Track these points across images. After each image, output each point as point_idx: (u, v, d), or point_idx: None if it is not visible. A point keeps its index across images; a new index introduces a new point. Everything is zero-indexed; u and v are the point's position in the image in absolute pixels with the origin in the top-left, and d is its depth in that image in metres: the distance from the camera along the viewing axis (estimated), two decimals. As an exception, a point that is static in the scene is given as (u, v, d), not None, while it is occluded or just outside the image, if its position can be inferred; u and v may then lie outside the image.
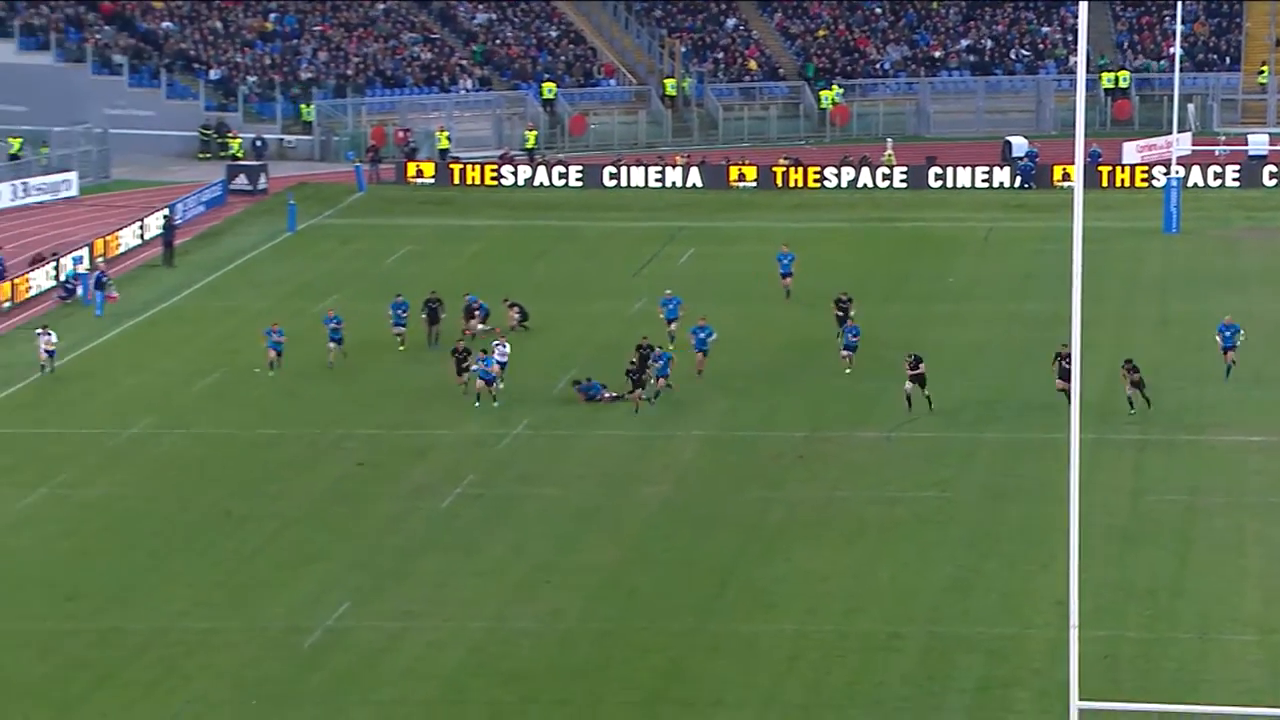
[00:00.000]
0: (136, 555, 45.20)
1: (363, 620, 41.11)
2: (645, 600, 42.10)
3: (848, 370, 57.71)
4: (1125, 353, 56.75)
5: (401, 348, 60.98)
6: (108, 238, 76.74)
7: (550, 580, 43.20)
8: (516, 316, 63.90)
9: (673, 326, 61.12)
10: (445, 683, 38.12)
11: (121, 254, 76.67)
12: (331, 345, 59.38)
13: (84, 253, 73.82)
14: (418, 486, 49.39)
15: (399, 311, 61.64)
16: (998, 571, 43.50)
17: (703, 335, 57.36)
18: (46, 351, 59.35)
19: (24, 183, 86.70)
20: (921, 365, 53.70)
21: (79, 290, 69.35)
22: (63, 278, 70.88)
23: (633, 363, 54.78)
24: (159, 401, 57.22)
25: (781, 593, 42.39)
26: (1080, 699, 30.45)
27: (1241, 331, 56.43)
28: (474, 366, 55.14)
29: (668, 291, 62.87)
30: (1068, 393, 53.50)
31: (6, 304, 68.69)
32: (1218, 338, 56.82)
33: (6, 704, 37.30)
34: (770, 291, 66.96)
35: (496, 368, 55.64)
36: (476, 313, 62.95)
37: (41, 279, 71.15)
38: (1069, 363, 53.27)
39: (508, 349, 56.26)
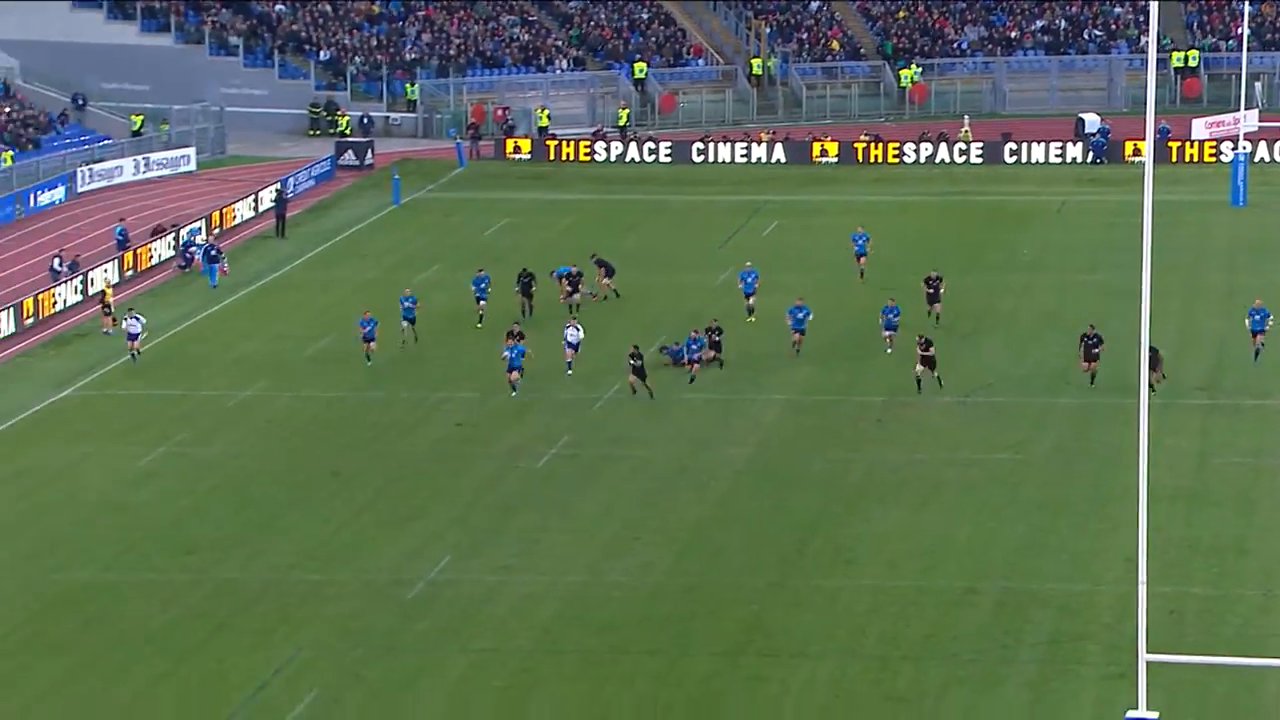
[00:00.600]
0: (251, 511, 45.53)
1: (462, 574, 41.27)
2: (730, 556, 42.08)
3: (889, 351, 56.07)
4: (1194, 322, 56.17)
5: (479, 325, 59.46)
6: (224, 210, 77.24)
7: (640, 537, 43.23)
8: (603, 274, 63.36)
9: (751, 300, 60.35)
10: (540, 633, 38.23)
11: (236, 225, 77.16)
12: (405, 325, 57.78)
13: (201, 224, 74.37)
14: (514, 447, 49.47)
15: (480, 286, 60.71)
16: (1069, 530, 43.25)
17: (800, 315, 56.26)
18: (131, 335, 57.05)
19: (145, 158, 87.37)
20: (932, 348, 52.09)
21: (197, 255, 69.70)
22: (180, 247, 71.36)
23: (632, 358, 52.82)
24: (272, 366, 57.55)
25: (861, 550, 42.28)
26: (1148, 652, 30.26)
27: (1271, 317, 54.47)
28: (503, 354, 52.81)
29: (747, 264, 62.39)
30: (1093, 374, 52.23)
31: (129, 273, 69.27)
32: (1247, 321, 54.85)
33: (130, 651, 37.70)
34: (848, 260, 66.56)
35: (574, 352, 54.09)
36: (571, 280, 62.60)
37: (162, 249, 71.70)
38: (1094, 343, 52.13)
39: (580, 332, 55.02)
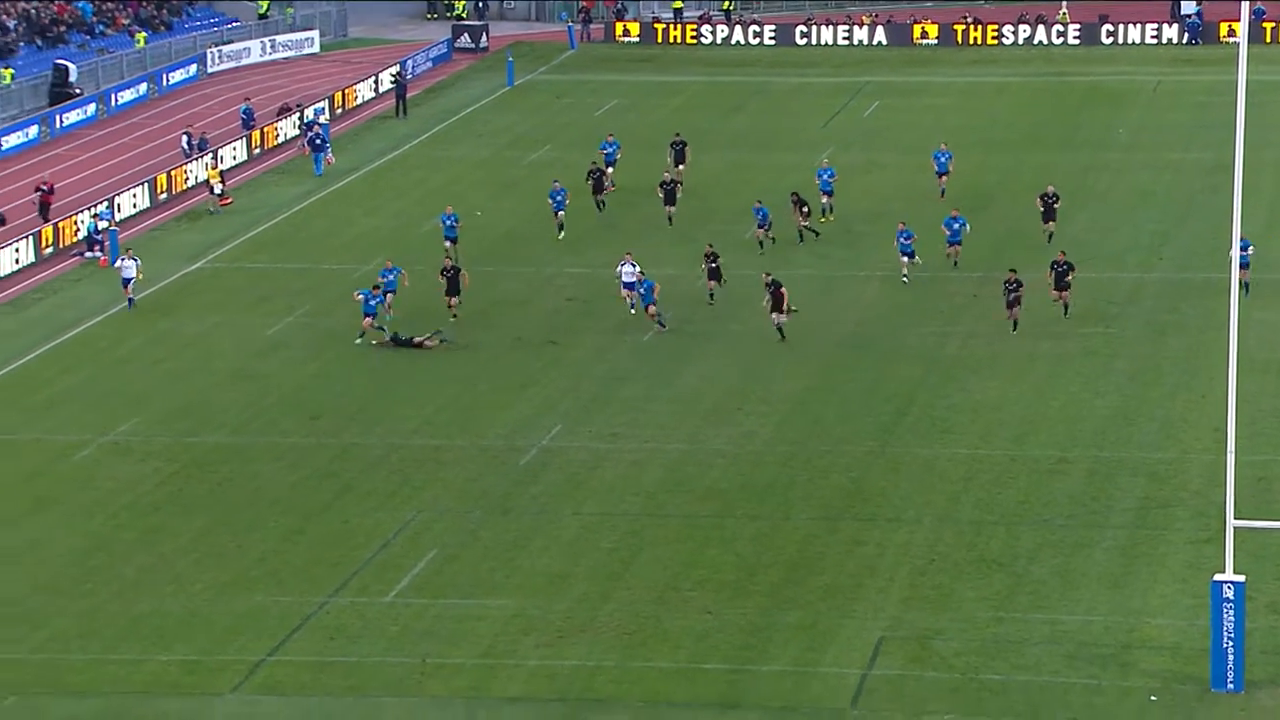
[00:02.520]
0: (373, 379, 45.88)
1: (572, 441, 41.47)
2: (829, 425, 42.03)
3: (904, 278, 51.17)
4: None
5: (560, 237, 56.48)
6: (345, 91, 77.35)
7: (741, 407, 43.23)
8: (672, 157, 60.96)
9: (827, 199, 57.10)
10: (647, 498, 38.40)
11: (358, 106, 77.32)
12: (448, 244, 53.71)
13: (325, 104, 74.52)
14: (620, 321, 49.46)
15: (557, 198, 56.60)
16: (1160, 400, 42.90)
17: (956, 226, 52.26)
18: (125, 280, 50.97)
19: (272, 40, 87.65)
20: (782, 288, 46.83)
21: (304, 143, 69.16)
22: (304, 127, 71.44)
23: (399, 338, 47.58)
24: (391, 240, 57.74)
25: (956, 420, 42.12)
26: (1235, 518, 30.05)
27: (1251, 247, 47.97)
28: (356, 295, 47.69)
29: (825, 161, 60.33)
30: (1066, 304, 47.46)
31: (257, 150, 69.56)
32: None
33: (260, 510, 38.22)
34: (948, 140, 65.63)
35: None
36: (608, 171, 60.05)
37: (287, 128, 71.92)
38: (1064, 270, 47.45)
39: (636, 269, 49.12)
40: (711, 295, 50.25)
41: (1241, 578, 29.90)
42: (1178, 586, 33.61)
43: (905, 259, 51.43)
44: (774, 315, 47.09)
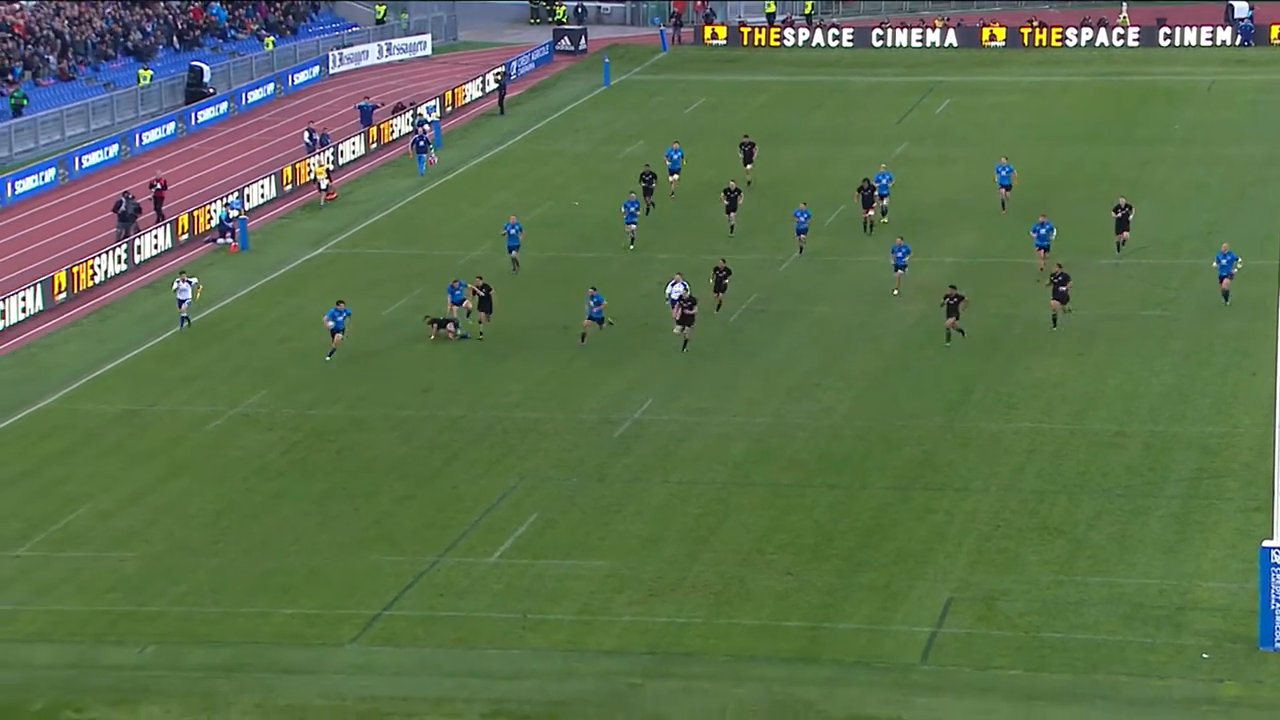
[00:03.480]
0: (479, 356, 46.08)
1: (663, 414, 41.50)
2: (902, 401, 41.86)
3: (895, 291, 49.01)
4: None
5: (630, 247, 54.74)
6: (455, 90, 77.61)
7: (821, 384, 43.13)
8: (742, 156, 60.25)
9: (884, 201, 55.60)
10: (733, 468, 38.39)
11: (466, 104, 77.58)
12: (512, 253, 51.73)
13: (436, 103, 74.81)
14: (709, 303, 49.36)
15: (631, 209, 54.47)
16: (1212, 378, 42.48)
17: (1044, 231, 49.92)
18: (180, 301, 48.27)
19: (387, 43, 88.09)
20: (695, 307, 44.89)
21: (408, 147, 68.97)
22: (415, 124, 71.69)
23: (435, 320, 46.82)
24: (496, 229, 57.81)
25: (1020, 396, 41.85)
26: (1282, 491, 29.75)
27: (1239, 260, 46.87)
28: (328, 322, 45.43)
29: (883, 166, 58.50)
30: (1056, 315, 45.61)
31: (374, 145, 69.91)
32: (1214, 266, 47.30)
33: (375, 477, 38.51)
34: (1014, 136, 65.26)
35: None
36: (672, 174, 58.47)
37: (402, 125, 72.24)
38: (1060, 281, 45.67)
39: (685, 288, 46.29)
40: (718, 307, 47.67)
41: (1289, 545, 29.59)
42: (1228, 552, 33.29)
43: (899, 273, 48.93)
44: (677, 327, 45.23)
